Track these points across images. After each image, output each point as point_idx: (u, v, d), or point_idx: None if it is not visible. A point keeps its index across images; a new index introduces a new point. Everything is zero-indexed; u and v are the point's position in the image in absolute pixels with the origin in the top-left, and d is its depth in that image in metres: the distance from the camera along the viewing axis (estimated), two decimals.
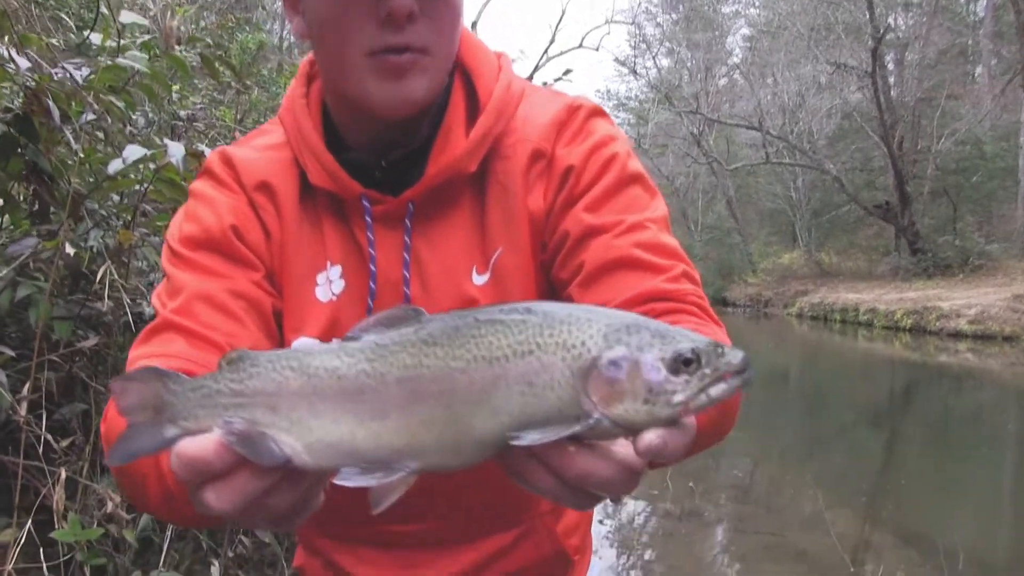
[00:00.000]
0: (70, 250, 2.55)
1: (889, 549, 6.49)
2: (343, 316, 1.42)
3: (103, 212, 2.92)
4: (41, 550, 2.52)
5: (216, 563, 2.83)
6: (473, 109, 1.46)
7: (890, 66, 38.53)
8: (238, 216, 1.44)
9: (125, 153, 2.49)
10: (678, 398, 0.86)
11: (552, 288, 1.45)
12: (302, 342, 1.43)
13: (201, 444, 0.85)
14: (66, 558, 2.59)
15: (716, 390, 0.88)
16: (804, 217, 42.61)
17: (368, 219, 1.42)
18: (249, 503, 0.87)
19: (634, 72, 51.99)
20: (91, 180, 2.91)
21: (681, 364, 0.87)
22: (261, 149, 1.53)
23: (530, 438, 0.84)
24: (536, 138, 1.45)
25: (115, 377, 0.96)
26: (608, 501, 0.95)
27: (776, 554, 6.35)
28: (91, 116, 2.84)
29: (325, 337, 1.40)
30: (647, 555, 6.52)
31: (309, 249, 1.46)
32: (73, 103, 2.81)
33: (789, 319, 33.82)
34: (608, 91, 60.59)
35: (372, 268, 1.41)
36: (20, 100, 2.56)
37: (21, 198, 3.01)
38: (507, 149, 1.45)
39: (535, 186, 1.44)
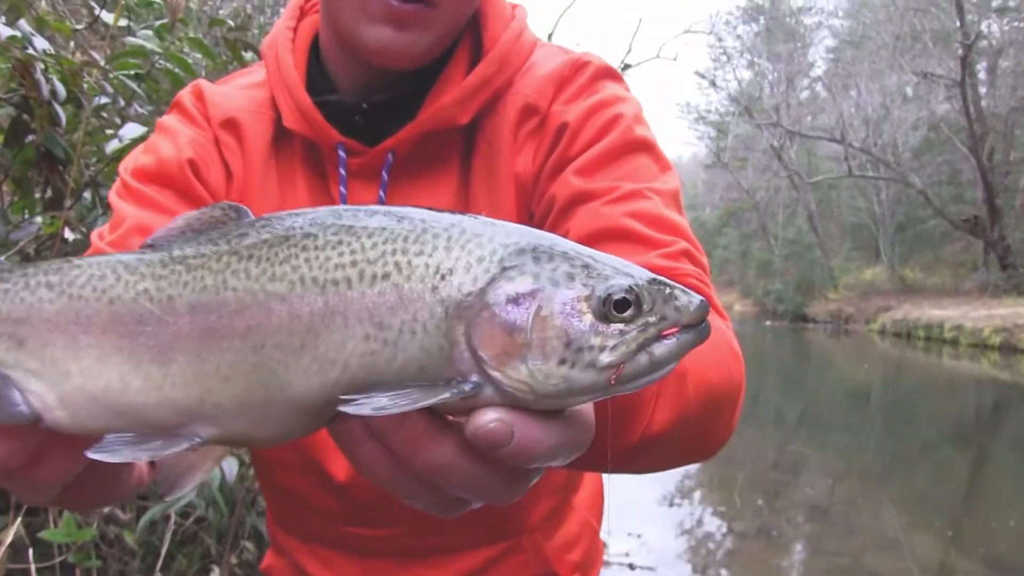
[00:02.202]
0: (70, 235, 2.41)
1: None
2: None
3: None
4: (30, 550, 2.40)
5: (216, 569, 2.67)
6: (477, 61, 1.29)
7: (981, 75, 37.48)
8: (199, 151, 1.30)
9: (122, 132, 2.36)
10: (606, 358, 0.61)
11: None
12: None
13: None
14: (60, 559, 2.47)
15: (662, 348, 0.63)
16: (887, 231, 41.72)
17: (343, 171, 1.26)
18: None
19: (713, 84, 51.59)
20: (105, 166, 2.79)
21: (613, 308, 0.62)
22: (240, 87, 1.40)
23: (372, 405, 0.58)
24: (530, 92, 1.27)
25: None
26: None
27: None
28: (104, 99, 2.70)
29: None
30: (716, 574, 6.25)
31: (275, 200, 1.30)
32: (85, 85, 2.69)
33: (871, 335, 32.97)
34: (688, 104, 60.13)
35: None
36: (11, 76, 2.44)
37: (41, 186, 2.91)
38: (502, 105, 1.28)
39: (525, 146, 1.26)
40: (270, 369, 0.62)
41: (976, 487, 9.57)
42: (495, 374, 0.60)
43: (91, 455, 0.62)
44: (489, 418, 0.59)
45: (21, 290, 0.67)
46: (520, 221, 1.24)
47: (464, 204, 1.27)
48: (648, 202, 1.15)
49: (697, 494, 8.42)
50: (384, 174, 1.24)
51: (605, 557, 5.67)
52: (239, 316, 0.63)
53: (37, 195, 2.80)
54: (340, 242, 0.63)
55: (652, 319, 0.63)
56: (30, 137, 2.55)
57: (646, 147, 1.24)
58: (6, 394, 0.64)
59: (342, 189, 1.25)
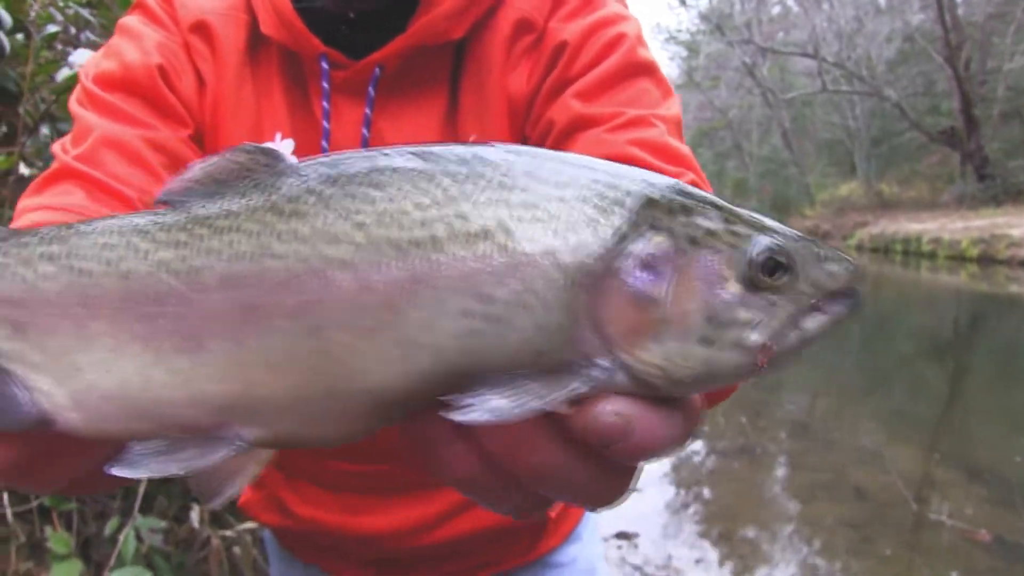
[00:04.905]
0: (25, 171, 2.29)
1: (955, 486, 6.15)
2: None
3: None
4: (5, 495, 2.32)
5: (195, 507, 2.61)
6: None
7: None
8: (168, 57, 1.18)
9: (72, 58, 2.22)
10: (756, 336, 0.50)
11: None
12: None
13: None
14: (37, 503, 2.37)
15: (813, 323, 0.52)
16: (863, 146, 41.75)
17: (325, 85, 1.16)
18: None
19: (683, 2, 50.89)
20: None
21: (764, 273, 0.50)
22: None
23: (487, 408, 0.46)
24: (525, 5, 1.19)
25: None
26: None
27: (833, 492, 6.06)
28: (54, 28, 2.55)
29: None
30: (700, 493, 6.31)
31: (251, 114, 1.21)
32: (33, 12, 2.54)
33: (849, 252, 33.07)
34: (658, 24, 59.52)
35: (324, 144, 1.18)
36: None
37: None
38: (495, 20, 1.20)
39: (519, 64, 1.19)
40: (334, 356, 0.50)
41: (956, 399, 9.65)
42: (625, 357, 0.49)
43: (113, 472, 0.51)
44: (608, 410, 0.48)
45: (18, 264, 0.55)
46: None
47: (452, 127, 1.20)
48: (653, 130, 1.09)
49: None
50: (371, 90, 1.15)
51: None
52: (287, 289, 0.50)
53: None
54: (420, 190, 0.50)
55: (805, 288, 0.52)
56: None
57: (649, 70, 1.17)
58: (8, 393, 0.52)
59: (325, 104, 1.17)
